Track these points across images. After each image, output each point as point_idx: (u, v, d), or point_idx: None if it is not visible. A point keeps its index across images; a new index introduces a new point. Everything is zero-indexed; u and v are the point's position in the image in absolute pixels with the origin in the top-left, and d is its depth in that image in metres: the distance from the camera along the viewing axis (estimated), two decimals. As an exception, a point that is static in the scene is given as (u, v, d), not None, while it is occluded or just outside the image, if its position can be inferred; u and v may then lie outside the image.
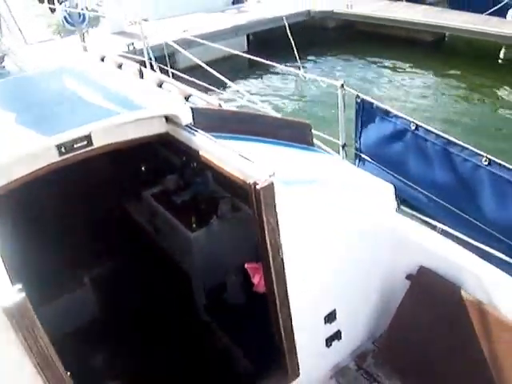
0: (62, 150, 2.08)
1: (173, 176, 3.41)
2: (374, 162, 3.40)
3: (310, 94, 10.95)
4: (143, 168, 3.70)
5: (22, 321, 1.46)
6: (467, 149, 2.76)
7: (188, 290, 3.09)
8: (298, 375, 2.34)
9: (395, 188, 3.33)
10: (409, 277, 2.48)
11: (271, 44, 12.52)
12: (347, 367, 2.56)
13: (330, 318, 2.42)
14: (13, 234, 1.95)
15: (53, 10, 12.19)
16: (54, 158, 2.09)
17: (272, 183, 1.90)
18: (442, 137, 2.90)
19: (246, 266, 2.49)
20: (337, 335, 2.49)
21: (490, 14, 12.03)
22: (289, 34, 10.86)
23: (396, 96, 10.53)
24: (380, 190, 2.48)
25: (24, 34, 6.93)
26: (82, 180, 3.35)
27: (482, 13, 12.07)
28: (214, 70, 6.52)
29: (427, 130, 2.96)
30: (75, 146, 2.11)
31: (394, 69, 12.09)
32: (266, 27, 12.88)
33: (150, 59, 6.60)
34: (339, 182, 2.40)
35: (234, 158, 2.04)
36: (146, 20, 11.64)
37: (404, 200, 3.36)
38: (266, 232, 1.97)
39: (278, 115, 3.95)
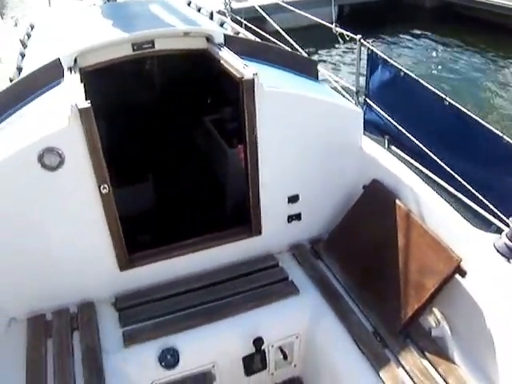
0: (135, 47, 3.02)
1: (229, 108, 4.30)
2: (378, 106, 4.02)
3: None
4: (208, 100, 4.73)
5: (87, 121, 2.42)
6: (435, 93, 3.33)
7: (221, 192, 3.95)
8: (260, 233, 3.12)
9: (389, 130, 3.98)
10: (364, 187, 3.15)
11: (362, 17, 12.81)
12: (302, 244, 3.30)
13: (293, 199, 3.13)
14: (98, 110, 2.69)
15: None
16: (128, 51, 3.02)
17: (253, 78, 2.68)
18: (424, 85, 3.47)
19: (238, 146, 3.30)
20: (298, 216, 3.21)
21: None
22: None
23: (488, 96, 9.91)
24: (352, 114, 3.14)
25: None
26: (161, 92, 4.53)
27: None
28: (302, 35, 6.97)
29: (413, 77, 3.54)
30: (143, 46, 3.05)
31: (490, 60, 11.45)
32: (359, 0, 13.19)
33: (245, 19, 7.47)
34: (320, 99, 3.05)
35: (238, 64, 2.85)
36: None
37: (397, 140, 3.97)
38: (246, 115, 2.76)
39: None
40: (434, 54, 12.25)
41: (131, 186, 3.73)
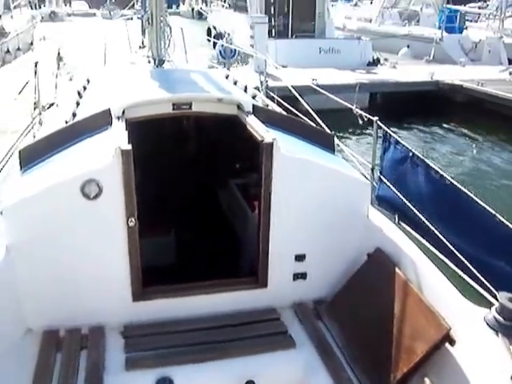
0: (175, 107, 3.44)
1: (255, 174, 4.62)
2: (390, 183, 4.27)
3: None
4: (237, 165, 5.10)
5: (127, 161, 2.79)
6: (438, 172, 3.60)
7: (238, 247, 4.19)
8: (265, 286, 3.30)
9: (399, 205, 4.19)
10: (368, 255, 3.33)
11: (393, 106, 13.40)
12: (305, 303, 3.43)
13: (300, 258, 3.32)
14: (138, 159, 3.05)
15: (214, 45, 14.72)
16: (169, 109, 3.44)
17: (272, 142, 3.02)
18: (429, 165, 3.74)
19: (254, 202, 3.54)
20: (303, 275, 3.37)
21: None
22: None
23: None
24: (360, 185, 3.40)
25: (187, 56, 8.64)
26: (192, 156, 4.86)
27: None
28: (329, 116, 7.48)
29: (421, 158, 3.83)
30: (182, 106, 3.46)
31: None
32: (389, 89, 13.87)
33: (278, 96, 8.07)
34: (333, 168, 3.34)
35: (261, 129, 3.21)
36: (285, 66, 13.43)
37: (406, 216, 4.17)
38: (263, 174, 3.07)
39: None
40: (464, 147, 12.55)
41: (153, 238, 3.93)
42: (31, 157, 3.30)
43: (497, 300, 2.62)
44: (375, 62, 16.62)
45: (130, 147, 2.84)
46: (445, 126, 13.79)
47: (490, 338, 2.48)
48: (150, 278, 3.21)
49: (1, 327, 2.78)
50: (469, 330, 2.57)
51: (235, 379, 2.85)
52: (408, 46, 20.04)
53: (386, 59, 17.44)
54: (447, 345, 2.61)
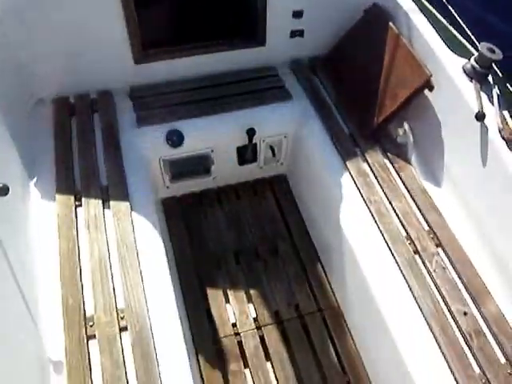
0: None
1: None
2: None
3: None
4: None
5: None
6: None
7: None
8: (263, 44, 3.44)
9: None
10: (364, 11, 3.39)
11: None
12: (301, 60, 3.63)
13: (298, 15, 3.37)
14: None
15: None
16: None
17: None
18: None
19: None
20: (301, 33, 3.48)
21: None
22: None
23: None
24: None
25: None
26: None
27: None
28: None
29: None
30: None
31: None
32: None
33: None
34: None
35: None
36: None
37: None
38: None
39: None
40: None
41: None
42: None
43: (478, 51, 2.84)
44: None
45: None
46: None
47: (464, 84, 2.77)
48: (151, 43, 3.25)
49: (12, 99, 2.87)
50: (447, 78, 2.84)
51: (237, 127, 3.23)
52: None
53: None
54: (426, 91, 2.93)
